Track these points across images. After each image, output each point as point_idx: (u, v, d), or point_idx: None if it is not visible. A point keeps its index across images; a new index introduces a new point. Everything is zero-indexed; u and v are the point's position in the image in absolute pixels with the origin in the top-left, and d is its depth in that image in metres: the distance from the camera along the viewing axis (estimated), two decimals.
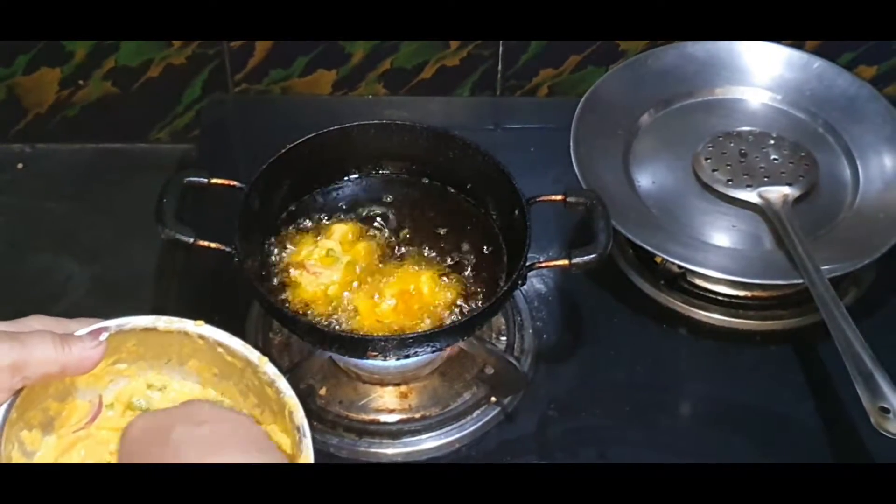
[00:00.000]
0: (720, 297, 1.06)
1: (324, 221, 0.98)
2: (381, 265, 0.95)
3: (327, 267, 0.94)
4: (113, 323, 0.67)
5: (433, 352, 0.90)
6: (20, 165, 1.25)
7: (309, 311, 0.91)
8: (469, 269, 0.95)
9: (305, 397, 0.95)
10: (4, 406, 0.63)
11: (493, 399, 0.97)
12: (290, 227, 0.98)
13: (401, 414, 0.96)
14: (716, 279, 1.05)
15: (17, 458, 0.65)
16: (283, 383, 0.70)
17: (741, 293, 1.06)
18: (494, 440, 0.95)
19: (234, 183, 0.94)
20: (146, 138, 1.28)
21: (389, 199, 1.01)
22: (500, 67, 1.26)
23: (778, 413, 0.98)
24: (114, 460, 0.69)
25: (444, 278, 0.94)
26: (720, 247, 1.05)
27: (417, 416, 0.95)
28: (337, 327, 0.90)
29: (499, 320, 1.01)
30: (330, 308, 0.92)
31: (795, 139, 1.14)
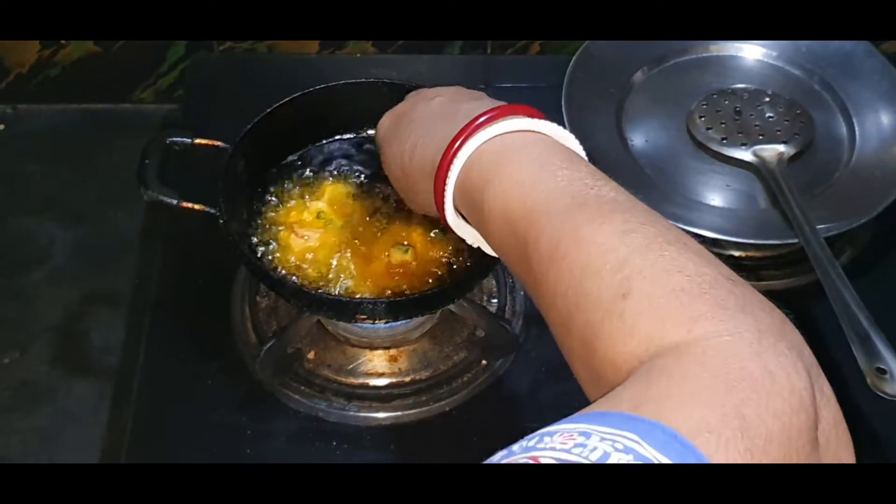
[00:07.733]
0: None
1: (312, 182, 0.97)
2: (370, 225, 0.93)
3: (316, 228, 0.93)
4: None
5: (423, 314, 0.89)
6: (1, 127, 1.23)
7: (297, 274, 0.90)
8: None
9: (293, 361, 0.94)
10: None
11: (484, 362, 0.96)
12: (278, 188, 0.96)
13: (390, 378, 0.94)
14: (710, 239, 1.03)
15: None
16: None
17: (735, 253, 1.05)
18: (485, 403, 0.94)
19: (219, 143, 0.93)
20: (130, 98, 1.26)
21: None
22: None
23: None
24: None
25: (434, 235, 0.92)
26: (714, 206, 1.04)
27: (407, 379, 0.94)
28: (325, 290, 0.88)
29: (490, 282, 1.00)
30: (319, 270, 0.90)
31: (791, 96, 1.12)
